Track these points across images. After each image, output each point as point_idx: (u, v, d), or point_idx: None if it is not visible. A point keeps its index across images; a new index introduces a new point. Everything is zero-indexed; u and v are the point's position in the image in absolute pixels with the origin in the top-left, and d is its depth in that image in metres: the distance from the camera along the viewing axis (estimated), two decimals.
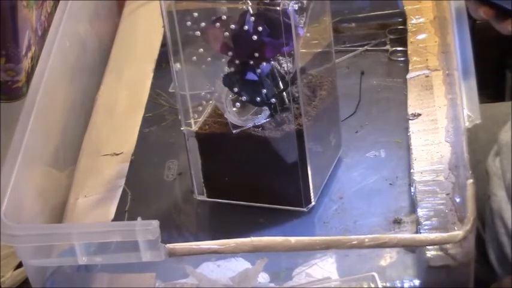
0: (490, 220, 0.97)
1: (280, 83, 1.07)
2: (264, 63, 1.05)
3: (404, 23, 1.39)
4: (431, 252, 0.99)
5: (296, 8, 1.02)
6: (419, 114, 1.20)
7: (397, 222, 1.08)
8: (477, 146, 1.13)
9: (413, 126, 1.19)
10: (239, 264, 1.05)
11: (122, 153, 1.23)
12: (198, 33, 1.06)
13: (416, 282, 1.01)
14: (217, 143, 1.12)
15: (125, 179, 1.19)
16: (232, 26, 1.04)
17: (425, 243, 0.98)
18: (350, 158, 1.19)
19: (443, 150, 1.13)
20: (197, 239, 1.09)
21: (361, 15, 1.45)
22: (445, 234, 0.95)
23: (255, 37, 1.03)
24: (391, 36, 1.40)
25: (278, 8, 1.01)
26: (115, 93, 1.34)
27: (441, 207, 1.05)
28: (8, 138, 1.09)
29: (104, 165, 1.22)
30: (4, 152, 1.08)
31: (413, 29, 1.36)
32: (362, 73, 1.34)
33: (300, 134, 1.07)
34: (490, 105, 1.43)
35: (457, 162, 1.09)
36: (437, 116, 1.19)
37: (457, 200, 1.04)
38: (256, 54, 1.04)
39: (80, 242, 0.96)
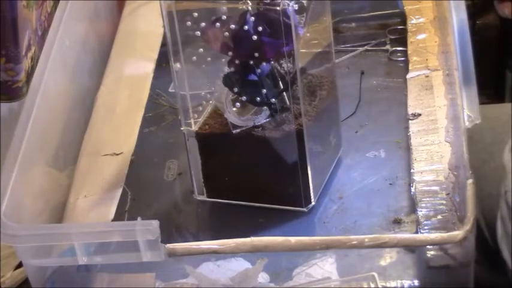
0: (506, 215, 0.96)
1: (280, 83, 1.07)
2: (264, 63, 1.05)
3: (404, 23, 1.39)
4: (431, 252, 0.99)
5: (296, 8, 1.02)
6: (419, 114, 1.20)
7: (397, 222, 1.08)
8: (482, 146, 1.13)
9: (413, 126, 1.19)
10: (239, 264, 1.05)
11: (121, 153, 1.23)
12: (198, 33, 1.06)
13: (416, 282, 1.01)
14: (217, 143, 1.12)
15: (125, 179, 1.19)
16: (232, 26, 1.04)
17: (425, 243, 0.98)
18: (350, 158, 1.19)
19: (443, 150, 1.13)
20: (197, 239, 1.09)
21: (361, 15, 1.45)
22: (445, 234, 0.95)
23: (255, 37, 1.03)
24: (391, 36, 1.40)
25: (278, 8, 1.01)
26: (115, 93, 1.34)
27: (441, 207, 1.05)
28: (8, 138, 1.09)
29: (104, 165, 1.22)
30: (4, 152, 1.08)
31: (413, 29, 1.36)
32: (362, 73, 1.34)
33: (300, 134, 1.07)
34: (494, 105, 1.43)
35: (457, 162, 1.09)
36: (437, 116, 1.19)
37: (457, 200, 1.04)
38: (256, 54, 1.05)
39: (80, 242, 0.96)
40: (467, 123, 1.03)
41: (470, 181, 0.97)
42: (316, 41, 1.13)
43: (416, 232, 1.03)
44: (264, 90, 1.06)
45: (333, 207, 1.12)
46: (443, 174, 1.09)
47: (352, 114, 1.26)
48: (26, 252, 1.00)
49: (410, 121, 1.20)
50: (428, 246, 0.99)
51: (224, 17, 1.05)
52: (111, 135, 1.27)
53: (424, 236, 1.00)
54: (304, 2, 1.06)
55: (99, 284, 1.05)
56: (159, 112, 1.33)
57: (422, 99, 1.23)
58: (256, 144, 1.09)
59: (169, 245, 0.96)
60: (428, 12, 1.38)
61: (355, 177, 1.16)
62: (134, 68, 1.39)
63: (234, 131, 1.09)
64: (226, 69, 1.08)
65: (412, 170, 1.11)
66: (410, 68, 1.29)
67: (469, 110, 1.04)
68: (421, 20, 1.38)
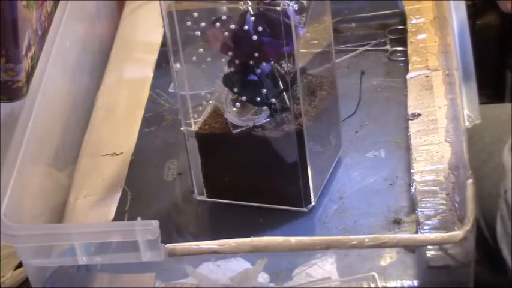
0: (506, 215, 0.96)
1: (280, 83, 1.07)
2: (264, 63, 1.05)
3: (404, 23, 1.39)
4: (431, 252, 0.99)
5: (296, 8, 1.02)
6: (419, 114, 1.20)
7: (397, 222, 1.08)
8: (482, 146, 1.13)
9: (413, 126, 1.19)
10: (239, 264, 1.05)
11: (121, 153, 1.23)
12: (198, 33, 1.06)
13: (416, 282, 1.01)
14: (217, 143, 1.12)
15: (125, 179, 1.19)
16: (232, 26, 1.04)
17: (425, 243, 0.98)
18: (350, 158, 1.19)
19: (443, 150, 1.13)
20: (197, 239, 1.09)
21: (361, 15, 1.45)
22: (445, 234, 0.95)
23: (255, 37, 1.03)
24: (391, 36, 1.40)
25: (278, 8, 1.01)
26: (115, 93, 1.34)
27: (441, 207, 1.05)
28: (8, 138, 1.09)
29: (104, 165, 1.22)
30: (4, 152, 1.08)
31: (413, 29, 1.36)
32: (362, 73, 1.34)
33: (300, 134, 1.07)
34: (494, 105, 1.43)
35: (457, 162, 1.09)
36: (437, 116, 1.19)
37: (457, 200, 1.04)
38: (256, 54, 1.05)
39: (80, 242, 0.96)
40: (467, 123, 1.03)
41: (470, 181, 0.97)
42: (316, 41, 1.13)
43: (416, 232, 1.03)
44: (264, 90, 1.06)
45: (333, 207, 1.12)
46: (443, 174, 1.09)
47: (352, 114, 1.26)
48: (26, 252, 1.00)
49: (410, 121, 1.20)
50: (428, 246, 0.99)
51: (224, 17, 1.05)
52: (111, 135, 1.27)
53: (424, 236, 1.00)
54: (304, 2, 1.06)
55: (99, 284, 1.05)
56: (159, 112, 1.33)
57: (422, 99, 1.23)
58: (256, 144, 1.09)
59: (169, 245, 0.96)
60: (428, 12, 1.38)
61: (355, 177, 1.16)
62: (134, 68, 1.39)
63: (234, 131, 1.09)
64: (226, 69, 1.08)
65: (412, 170, 1.11)
66: (410, 68, 1.29)
67: (469, 110, 1.04)
68: (421, 20, 1.38)
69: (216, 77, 1.09)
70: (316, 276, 1.03)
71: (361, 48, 1.39)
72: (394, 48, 1.38)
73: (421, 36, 1.35)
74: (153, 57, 1.39)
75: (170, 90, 1.35)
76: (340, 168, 1.18)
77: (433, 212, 1.04)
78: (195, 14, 1.06)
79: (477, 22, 1.68)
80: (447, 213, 1.04)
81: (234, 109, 1.09)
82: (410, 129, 1.18)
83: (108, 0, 1.50)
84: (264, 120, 1.08)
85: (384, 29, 1.42)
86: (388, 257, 1.04)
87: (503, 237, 0.97)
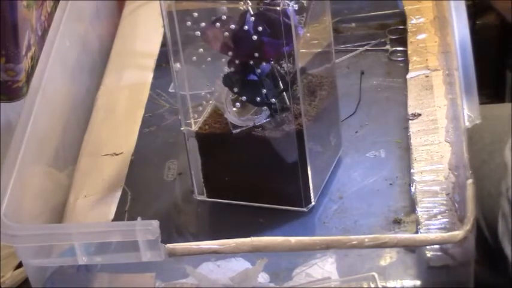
0: (508, 213, 0.96)
1: (280, 83, 1.07)
2: (264, 63, 1.05)
3: (404, 23, 1.39)
4: (431, 252, 0.99)
5: (296, 8, 1.02)
6: (419, 114, 1.20)
7: (397, 222, 1.08)
8: (482, 146, 1.13)
9: (413, 126, 1.19)
10: (239, 264, 1.05)
11: (121, 153, 1.23)
12: (198, 33, 1.06)
13: (417, 282, 1.01)
14: (217, 143, 1.12)
15: (125, 179, 1.19)
16: (232, 26, 1.04)
17: (425, 243, 0.98)
18: (350, 158, 1.19)
19: (443, 150, 1.13)
20: (197, 239, 1.09)
21: (361, 15, 1.46)
22: (445, 234, 0.95)
23: (255, 37, 1.03)
24: (391, 36, 1.40)
25: (278, 8, 1.01)
26: (115, 93, 1.34)
27: (441, 207, 1.05)
28: (8, 138, 1.09)
29: (104, 165, 1.22)
30: (4, 152, 1.08)
31: (413, 29, 1.36)
32: (362, 73, 1.34)
33: (300, 134, 1.07)
34: (494, 105, 1.43)
35: (457, 162, 1.09)
36: (437, 116, 1.19)
37: (457, 200, 1.04)
38: (256, 54, 1.05)
39: (80, 242, 0.96)
40: (467, 123, 1.03)
41: (470, 181, 0.97)
42: (316, 41, 1.13)
43: (416, 232, 1.03)
44: (264, 90, 1.06)
45: (333, 207, 1.12)
46: (443, 174, 1.09)
47: (352, 114, 1.26)
48: (26, 252, 1.00)
49: (410, 121, 1.20)
50: (428, 246, 0.99)
51: (224, 17, 1.05)
52: (111, 135, 1.27)
53: (424, 236, 1.00)
54: (304, 2, 1.06)
55: (99, 284, 1.05)
56: (159, 112, 1.33)
57: (422, 99, 1.23)
58: (256, 144, 1.09)
59: (169, 245, 0.96)
60: (428, 12, 1.38)
61: (355, 177, 1.16)
62: (134, 68, 1.39)
63: (234, 131, 1.09)
64: (226, 69, 1.08)
65: (412, 170, 1.11)
66: (410, 68, 1.29)
67: (469, 110, 1.04)
68: (421, 20, 1.38)
69: (216, 77, 1.09)
70: (316, 276, 1.03)
71: (361, 48, 1.39)
72: (394, 48, 1.38)
73: (421, 36, 1.35)
74: (153, 57, 1.39)
75: (170, 90, 1.35)
76: (340, 168, 1.18)
77: (433, 212, 1.04)
78: (195, 14, 1.06)
79: (477, 22, 1.68)
80: (447, 213, 1.04)
81: (234, 109, 1.09)
82: (410, 129, 1.18)
83: (108, 0, 1.50)
84: (264, 120, 1.08)
85: (383, 29, 1.42)
86: (388, 257, 1.04)
87: (505, 235, 0.97)
